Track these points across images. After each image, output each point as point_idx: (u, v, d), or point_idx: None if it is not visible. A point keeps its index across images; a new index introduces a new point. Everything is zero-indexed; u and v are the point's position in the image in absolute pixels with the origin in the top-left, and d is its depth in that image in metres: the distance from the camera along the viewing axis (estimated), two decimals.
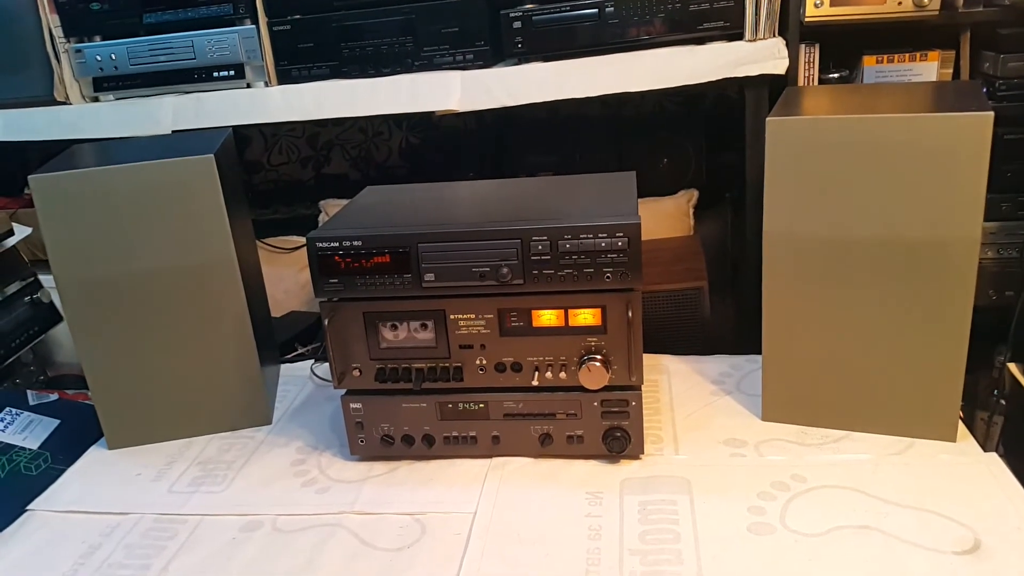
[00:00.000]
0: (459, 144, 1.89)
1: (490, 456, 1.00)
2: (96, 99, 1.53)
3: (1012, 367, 1.16)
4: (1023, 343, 1.14)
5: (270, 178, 1.95)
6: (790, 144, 0.91)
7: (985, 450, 0.94)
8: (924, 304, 0.91)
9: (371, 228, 0.95)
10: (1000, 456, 0.98)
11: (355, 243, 0.93)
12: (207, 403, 1.12)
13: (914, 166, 0.87)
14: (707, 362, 1.21)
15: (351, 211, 1.06)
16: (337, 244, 0.93)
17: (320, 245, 0.94)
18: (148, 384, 1.09)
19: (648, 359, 1.23)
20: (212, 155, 1.03)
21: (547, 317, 0.94)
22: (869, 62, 1.30)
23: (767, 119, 0.91)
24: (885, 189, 0.88)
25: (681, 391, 1.13)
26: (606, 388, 0.94)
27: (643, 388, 0.96)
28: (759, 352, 1.02)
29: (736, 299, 1.57)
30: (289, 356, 1.35)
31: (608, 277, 0.91)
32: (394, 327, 0.96)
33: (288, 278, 1.71)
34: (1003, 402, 1.32)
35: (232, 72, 1.48)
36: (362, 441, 1.01)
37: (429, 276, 0.93)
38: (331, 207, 1.72)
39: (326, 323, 0.95)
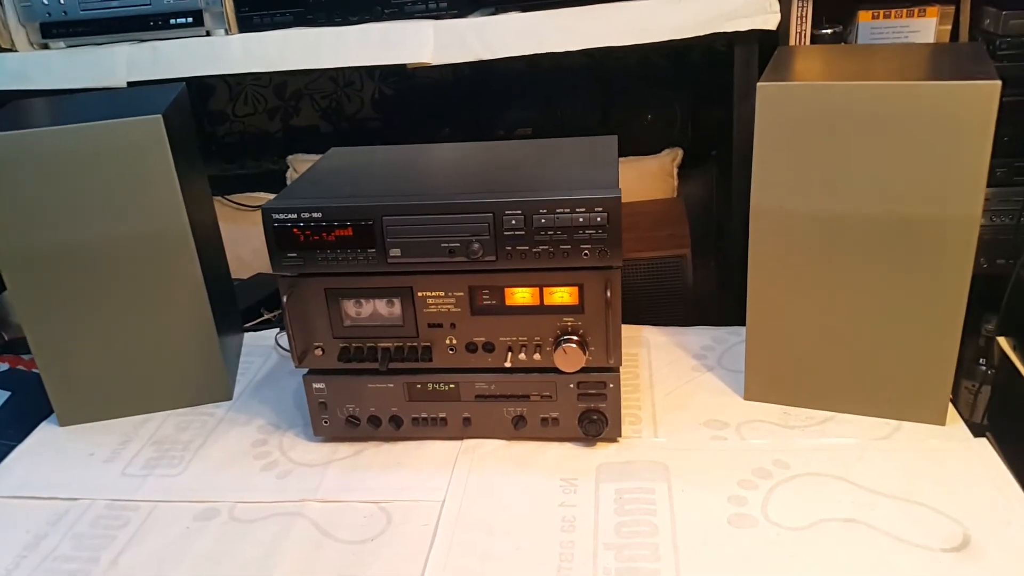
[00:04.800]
0: (435, 96, 1.81)
1: (461, 438, 0.96)
2: (45, 46, 1.43)
3: (1002, 341, 1.13)
4: (1014, 317, 1.10)
5: (235, 130, 1.86)
6: (782, 112, 0.85)
7: (971, 419, 0.90)
8: (918, 283, 0.86)
9: (332, 199, 0.88)
10: (984, 428, 0.95)
11: (315, 215, 0.86)
12: (163, 378, 1.06)
13: (913, 138, 0.81)
14: (688, 334, 1.17)
15: (312, 178, 0.99)
16: (295, 216, 0.87)
17: (277, 217, 0.87)
18: (100, 358, 1.03)
19: (627, 330, 1.17)
20: (160, 116, 0.95)
21: (521, 295, 0.88)
22: (864, 17, 1.23)
23: (758, 84, 0.85)
24: (881, 162, 0.83)
25: (661, 366, 1.09)
26: (583, 370, 0.90)
27: (622, 362, 0.91)
28: (742, 323, 0.98)
29: (720, 263, 1.52)
30: (252, 324, 1.29)
31: (586, 254, 0.85)
32: (358, 304, 0.91)
33: (255, 237, 1.62)
34: (990, 372, 1.29)
35: (190, 19, 1.39)
36: (326, 422, 0.96)
37: (395, 251, 0.87)
38: (299, 163, 1.65)
39: (285, 299, 0.89)
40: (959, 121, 0.79)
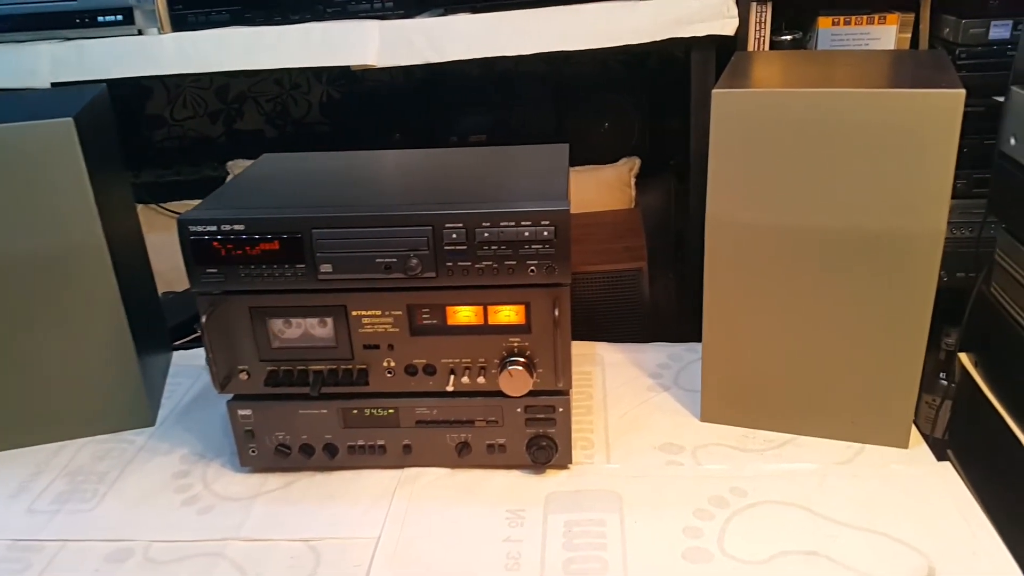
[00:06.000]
0: (385, 100, 1.74)
1: (401, 467, 0.89)
2: None
3: (963, 357, 1.09)
4: (975, 333, 1.07)
5: (174, 134, 1.77)
6: (739, 120, 0.80)
7: (932, 433, 0.86)
8: (880, 302, 0.82)
9: (258, 209, 0.81)
10: (946, 443, 0.91)
11: (236, 227, 0.79)
12: (79, 403, 0.97)
13: (875, 148, 0.77)
14: (645, 351, 1.12)
15: (238, 186, 0.92)
16: (215, 228, 0.80)
17: (194, 229, 0.80)
18: (8, 381, 0.94)
19: (581, 347, 1.13)
20: (71, 119, 0.87)
21: (464, 314, 0.82)
22: (824, 24, 1.20)
23: (713, 91, 0.80)
24: (842, 173, 0.78)
25: (616, 386, 1.04)
26: (531, 393, 0.84)
27: (574, 381, 0.86)
28: (700, 339, 0.93)
29: (679, 274, 1.48)
30: (183, 341, 1.21)
31: (532, 270, 0.79)
32: (287, 324, 0.84)
33: None
34: (952, 386, 1.26)
35: (120, 17, 1.31)
36: (253, 452, 0.89)
37: (326, 267, 0.80)
38: (239, 168, 1.57)
39: (204, 320, 0.82)
40: (923, 130, 0.75)
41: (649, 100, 1.62)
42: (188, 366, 1.14)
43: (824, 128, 0.77)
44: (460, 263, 0.80)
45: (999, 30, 1.14)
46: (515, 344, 0.83)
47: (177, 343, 1.22)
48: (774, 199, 0.81)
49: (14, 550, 0.81)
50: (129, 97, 1.75)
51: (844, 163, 0.78)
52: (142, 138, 1.76)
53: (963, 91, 0.73)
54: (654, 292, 1.27)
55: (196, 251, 0.80)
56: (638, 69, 1.70)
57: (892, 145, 0.76)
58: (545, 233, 0.78)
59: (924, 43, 1.19)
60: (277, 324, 0.84)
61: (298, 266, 0.80)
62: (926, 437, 0.90)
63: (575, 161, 0.95)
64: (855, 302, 0.82)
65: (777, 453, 0.89)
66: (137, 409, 1.00)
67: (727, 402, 0.93)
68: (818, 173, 0.79)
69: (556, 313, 0.81)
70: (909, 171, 0.76)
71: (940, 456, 0.87)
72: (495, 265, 0.79)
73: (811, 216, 0.81)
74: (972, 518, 0.78)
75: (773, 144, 0.79)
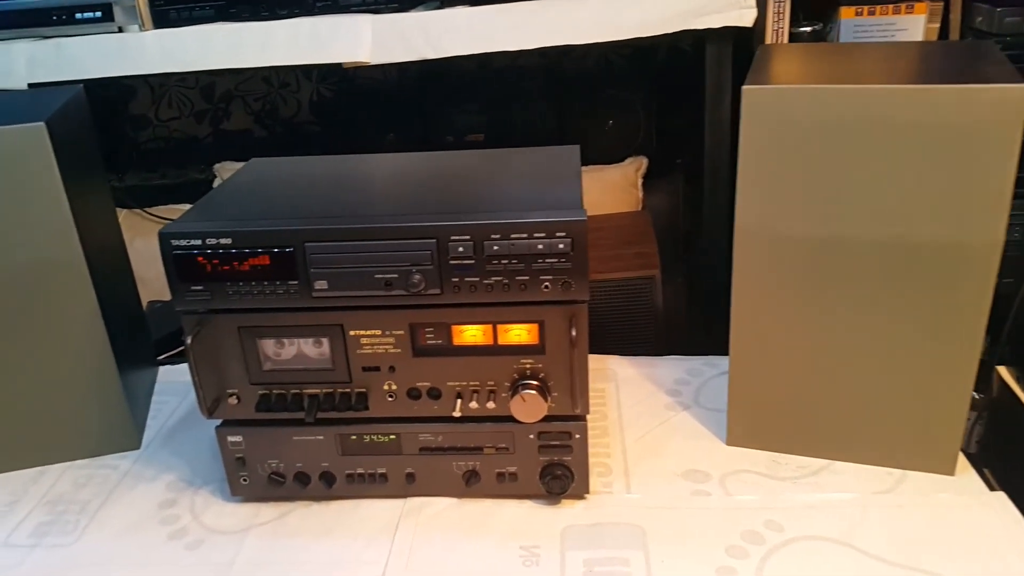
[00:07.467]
0: (378, 99, 1.66)
1: (404, 496, 0.82)
2: None
3: (1002, 370, 1.03)
4: (1018, 345, 1.01)
5: (159, 135, 1.69)
6: (772, 119, 0.73)
7: (966, 449, 0.79)
8: (928, 318, 0.75)
9: (246, 221, 0.74)
10: (977, 458, 0.84)
11: (223, 241, 0.72)
12: (58, 425, 0.91)
13: (926, 150, 0.70)
14: (660, 365, 1.05)
15: (224, 194, 0.84)
16: (200, 242, 0.72)
17: (177, 244, 0.73)
18: None
19: (592, 361, 1.04)
20: (43, 123, 0.80)
21: (471, 334, 0.75)
22: (847, 14, 1.13)
23: (743, 88, 0.73)
24: (887, 178, 0.72)
25: (631, 405, 0.97)
26: (545, 418, 0.77)
27: (589, 408, 0.79)
28: (715, 349, 0.86)
29: (688, 280, 1.42)
30: (165, 356, 1.14)
31: (546, 286, 0.72)
32: (279, 345, 0.77)
33: None
34: (982, 397, 1.20)
35: (99, 13, 1.24)
36: (245, 480, 0.82)
37: (320, 284, 0.73)
38: (227, 171, 1.50)
39: (189, 340, 0.75)
40: (981, 130, 0.68)
41: (655, 96, 1.55)
42: (175, 382, 1.07)
43: (868, 128, 0.71)
44: (467, 278, 0.73)
45: None
46: (527, 366, 0.76)
47: (162, 357, 1.14)
48: (810, 206, 0.75)
49: None
50: (112, 97, 1.67)
51: (890, 167, 0.71)
52: (126, 139, 1.68)
53: None
54: (664, 299, 1.20)
55: (180, 267, 0.73)
56: (643, 63, 1.63)
57: (945, 147, 0.69)
58: (560, 246, 0.71)
59: (955, 34, 1.12)
60: (269, 345, 0.77)
61: (291, 283, 0.73)
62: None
63: None
64: (900, 318, 0.76)
65: (813, 481, 0.82)
66: (121, 431, 0.93)
67: (756, 425, 0.86)
68: (860, 178, 0.72)
69: (573, 332, 0.74)
70: (964, 176, 0.69)
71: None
72: (505, 280, 0.72)
73: (851, 226, 0.74)
74: None
75: (810, 146, 0.73)
